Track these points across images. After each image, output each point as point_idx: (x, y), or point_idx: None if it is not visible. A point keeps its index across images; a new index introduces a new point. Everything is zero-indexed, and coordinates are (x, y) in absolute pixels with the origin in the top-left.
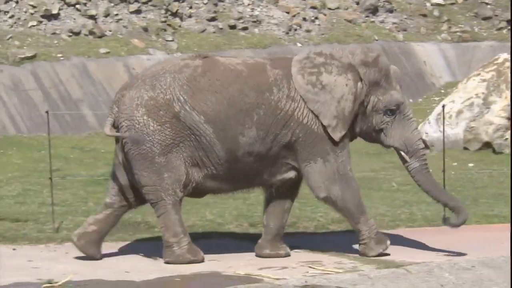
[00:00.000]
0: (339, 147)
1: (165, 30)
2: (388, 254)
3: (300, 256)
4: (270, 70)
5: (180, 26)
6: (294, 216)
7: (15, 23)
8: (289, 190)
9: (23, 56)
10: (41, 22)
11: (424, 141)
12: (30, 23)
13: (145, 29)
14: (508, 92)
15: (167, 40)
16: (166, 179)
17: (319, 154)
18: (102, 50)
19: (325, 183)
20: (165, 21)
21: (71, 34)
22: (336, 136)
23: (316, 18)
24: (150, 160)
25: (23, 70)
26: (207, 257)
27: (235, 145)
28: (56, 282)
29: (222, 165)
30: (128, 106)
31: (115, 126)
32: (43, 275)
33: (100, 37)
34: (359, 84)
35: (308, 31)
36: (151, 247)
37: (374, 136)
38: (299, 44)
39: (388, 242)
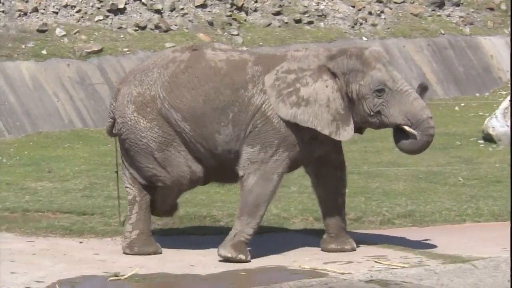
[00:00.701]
0: (283, 147)
1: (230, 24)
2: (245, 261)
3: (365, 250)
4: (250, 67)
5: (245, 20)
6: (359, 211)
7: (82, 17)
8: (335, 185)
9: (89, 50)
10: (107, 16)
11: (490, 135)
12: (97, 18)
13: (211, 24)
14: None
15: (232, 34)
16: (169, 173)
17: (261, 143)
18: (168, 45)
19: (250, 166)
20: (230, 15)
21: (137, 28)
22: (344, 136)
23: (382, 12)
24: (151, 155)
25: (90, 64)
26: (271, 251)
27: (213, 143)
28: (123, 275)
29: (207, 161)
30: (120, 102)
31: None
32: (109, 268)
33: (165, 31)
34: (336, 79)
35: (373, 25)
36: (216, 240)
37: (375, 121)
38: (364, 38)
39: (243, 258)
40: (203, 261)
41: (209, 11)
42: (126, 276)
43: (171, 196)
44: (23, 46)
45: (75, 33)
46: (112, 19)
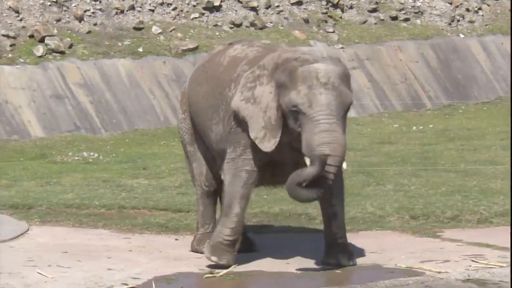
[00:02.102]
0: (251, 147)
1: (326, 21)
2: (219, 263)
3: (462, 249)
4: (241, 65)
5: (341, 18)
6: (456, 209)
7: (177, 15)
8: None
9: (185, 48)
10: (203, 14)
11: None
12: (193, 15)
13: (306, 21)
14: None
15: (328, 32)
16: (194, 169)
17: (234, 143)
18: (263, 42)
19: (225, 166)
20: (326, 13)
21: (232, 26)
22: (265, 147)
23: (480, 8)
24: (185, 148)
25: (185, 62)
26: (367, 249)
27: (208, 141)
28: (218, 273)
29: (215, 160)
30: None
31: None
32: (205, 266)
33: (261, 28)
34: (276, 89)
35: (471, 21)
36: (312, 238)
37: (300, 142)
38: (462, 35)
39: (215, 259)
40: (298, 259)
41: (305, 8)
42: (221, 274)
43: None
44: (119, 44)
45: (171, 31)
46: (207, 16)
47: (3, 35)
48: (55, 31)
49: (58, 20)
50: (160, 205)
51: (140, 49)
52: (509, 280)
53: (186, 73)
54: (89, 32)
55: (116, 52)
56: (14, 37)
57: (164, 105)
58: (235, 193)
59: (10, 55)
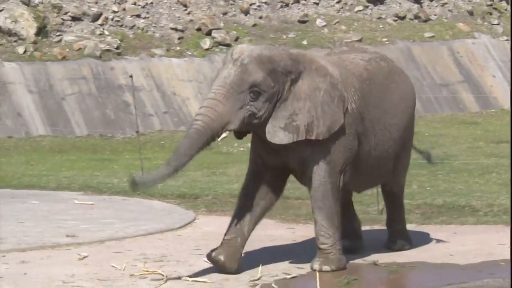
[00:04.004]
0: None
1: (490, 13)
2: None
3: None
4: None
5: (506, 10)
6: None
7: (342, 8)
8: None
9: (349, 40)
10: (367, 7)
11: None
12: (357, 8)
13: (471, 13)
14: None
15: (492, 24)
16: None
17: None
18: (427, 34)
19: None
20: (491, 5)
21: (396, 18)
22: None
23: None
24: None
25: None
26: None
27: None
28: (381, 263)
29: None
30: None
31: None
32: (368, 256)
33: (425, 21)
34: None
35: None
36: (476, 230)
37: None
38: None
39: None
40: (461, 251)
41: (469, 1)
42: (384, 264)
43: None
44: (284, 37)
45: (335, 24)
46: (371, 9)
47: (172, 29)
48: (222, 24)
49: (225, 14)
50: None
51: (305, 42)
52: None
53: None
54: (254, 25)
55: (280, 45)
56: (182, 30)
57: None
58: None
59: (178, 48)
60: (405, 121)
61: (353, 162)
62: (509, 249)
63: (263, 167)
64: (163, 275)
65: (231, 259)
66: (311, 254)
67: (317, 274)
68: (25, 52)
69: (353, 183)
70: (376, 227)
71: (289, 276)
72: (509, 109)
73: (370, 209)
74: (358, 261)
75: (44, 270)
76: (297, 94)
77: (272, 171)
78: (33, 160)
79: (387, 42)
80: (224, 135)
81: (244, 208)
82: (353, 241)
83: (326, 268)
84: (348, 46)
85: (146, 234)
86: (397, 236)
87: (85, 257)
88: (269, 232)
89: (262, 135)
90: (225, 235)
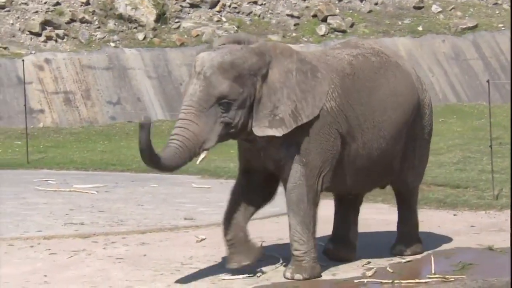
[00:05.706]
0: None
1: None
2: None
3: None
4: None
5: None
6: None
7: None
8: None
9: (464, 26)
10: None
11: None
12: None
13: None
14: None
15: None
16: None
17: None
18: None
19: None
20: None
21: None
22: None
23: None
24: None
25: (465, 40)
26: None
27: None
28: (497, 248)
29: None
30: None
31: None
32: (483, 241)
33: None
34: None
35: None
36: None
37: None
38: None
39: None
40: None
41: None
42: (499, 249)
43: None
44: (399, 23)
45: (450, 10)
46: None
47: (288, 15)
48: (337, 10)
49: (340, 0)
50: (438, 181)
51: (420, 28)
52: None
53: (464, 51)
54: (370, 11)
55: (396, 31)
56: (298, 17)
57: (442, 82)
58: None
59: (294, 34)
60: (399, 117)
61: (339, 163)
62: None
63: (252, 165)
64: (279, 258)
65: (247, 256)
66: (426, 239)
67: (432, 258)
68: (144, 38)
69: (346, 184)
70: (491, 212)
71: (404, 260)
72: None
73: (485, 194)
74: (473, 245)
75: (163, 252)
76: (271, 86)
77: (262, 171)
78: (152, 144)
79: (503, 28)
80: (202, 155)
81: (238, 203)
82: (337, 247)
83: (298, 276)
84: (343, 43)
85: (262, 217)
86: (400, 240)
87: (202, 239)
88: (384, 216)
89: (243, 139)
90: (225, 235)
